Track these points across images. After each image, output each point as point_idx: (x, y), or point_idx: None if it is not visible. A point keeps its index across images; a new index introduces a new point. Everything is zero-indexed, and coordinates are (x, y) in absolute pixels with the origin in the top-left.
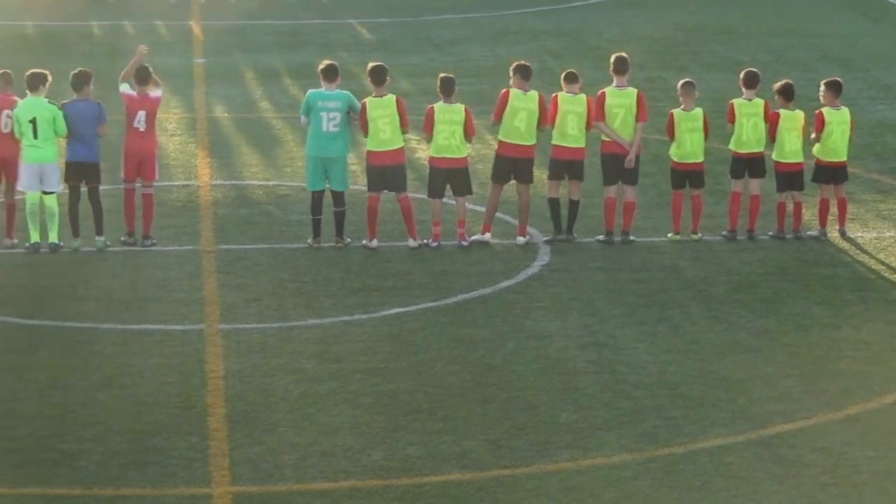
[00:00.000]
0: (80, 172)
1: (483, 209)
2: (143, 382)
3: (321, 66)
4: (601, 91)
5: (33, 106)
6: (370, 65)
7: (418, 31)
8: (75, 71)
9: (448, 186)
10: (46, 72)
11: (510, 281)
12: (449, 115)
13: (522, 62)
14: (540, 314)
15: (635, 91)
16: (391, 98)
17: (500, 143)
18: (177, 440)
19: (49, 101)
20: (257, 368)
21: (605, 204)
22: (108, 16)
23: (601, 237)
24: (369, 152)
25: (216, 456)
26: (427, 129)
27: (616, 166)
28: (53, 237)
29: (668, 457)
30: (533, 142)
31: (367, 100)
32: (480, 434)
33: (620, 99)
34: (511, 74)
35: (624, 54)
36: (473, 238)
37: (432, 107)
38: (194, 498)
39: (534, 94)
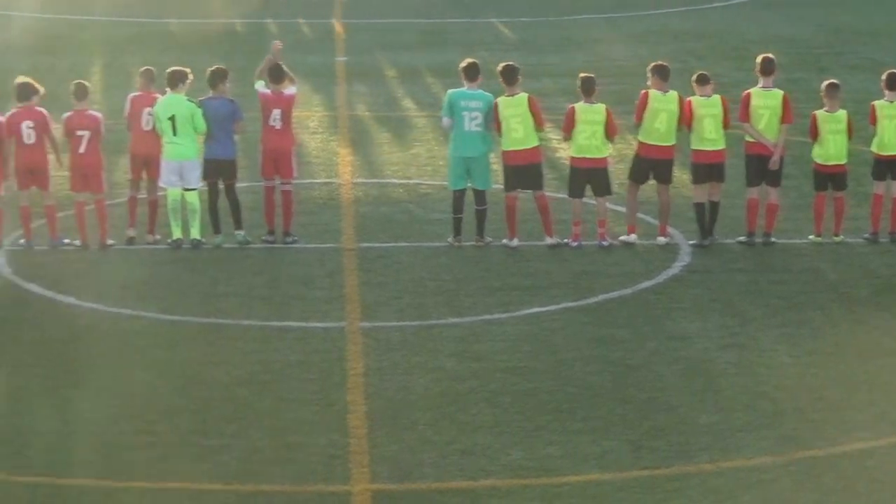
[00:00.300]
0: (216, 169)
1: (622, 209)
2: (284, 379)
3: (462, 65)
4: (746, 91)
5: (172, 103)
6: (501, 65)
7: (559, 31)
8: (212, 68)
9: (588, 186)
10: (187, 69)
11: (650, 281)
12: (590, 115)
13: (660, 62)
14: (680, 315)
15: (781, 93)
16: (523, 97)
17: (640, 143)
18: (317, 437)
19: (188, 99)
20: (397, 366)
21: (748, 205)
22: (251, 14)
23: (742, 238)
24: (504, 152)
25: (356, 453)
26: (567, 128)
27: (760, 167)
28: (195, 233)
29: (809, 460)
30: (672, 142)
31: (499, 99)
32: (620, 434)
33: (766, 100)
34: (649, 75)
35: (770, 55)
36: (621, 238)
37: (573, 107)
38: (334, 495)
39: (673, 94)
